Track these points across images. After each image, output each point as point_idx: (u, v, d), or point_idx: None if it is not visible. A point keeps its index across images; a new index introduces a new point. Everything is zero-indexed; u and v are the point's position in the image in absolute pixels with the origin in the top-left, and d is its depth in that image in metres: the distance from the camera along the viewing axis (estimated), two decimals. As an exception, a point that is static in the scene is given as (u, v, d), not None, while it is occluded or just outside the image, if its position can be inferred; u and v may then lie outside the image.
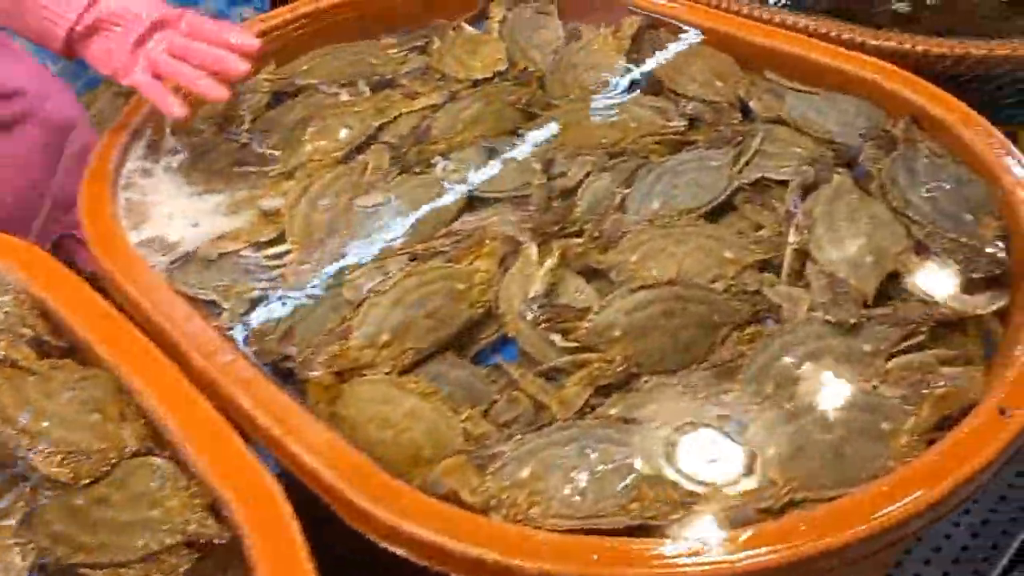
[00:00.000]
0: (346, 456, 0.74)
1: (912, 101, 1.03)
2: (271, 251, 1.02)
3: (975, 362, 0.80)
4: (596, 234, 0.96)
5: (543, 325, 0.86)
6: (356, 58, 1.34)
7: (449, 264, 0.94)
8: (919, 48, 1.10)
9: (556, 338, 0.85)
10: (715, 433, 0.75)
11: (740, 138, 1.06)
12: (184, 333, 0.86)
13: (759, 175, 1.00)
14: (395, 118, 1.20)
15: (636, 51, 1.26)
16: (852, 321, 0.82)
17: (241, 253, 1.02)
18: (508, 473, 0.73)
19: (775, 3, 1.32)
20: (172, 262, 1.00)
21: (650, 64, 1.23)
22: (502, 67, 1.28)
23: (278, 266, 1.00)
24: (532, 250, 0.94)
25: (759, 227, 0.96)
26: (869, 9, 1.33)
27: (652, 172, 1.03)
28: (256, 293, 0.96)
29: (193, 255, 1.01)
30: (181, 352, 0.83)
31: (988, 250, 0.85)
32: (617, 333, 0.84)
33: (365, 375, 0.85)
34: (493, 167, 1.09)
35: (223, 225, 1.06)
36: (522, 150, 1.11)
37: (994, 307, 0.82)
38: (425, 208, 1.04)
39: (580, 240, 0.97)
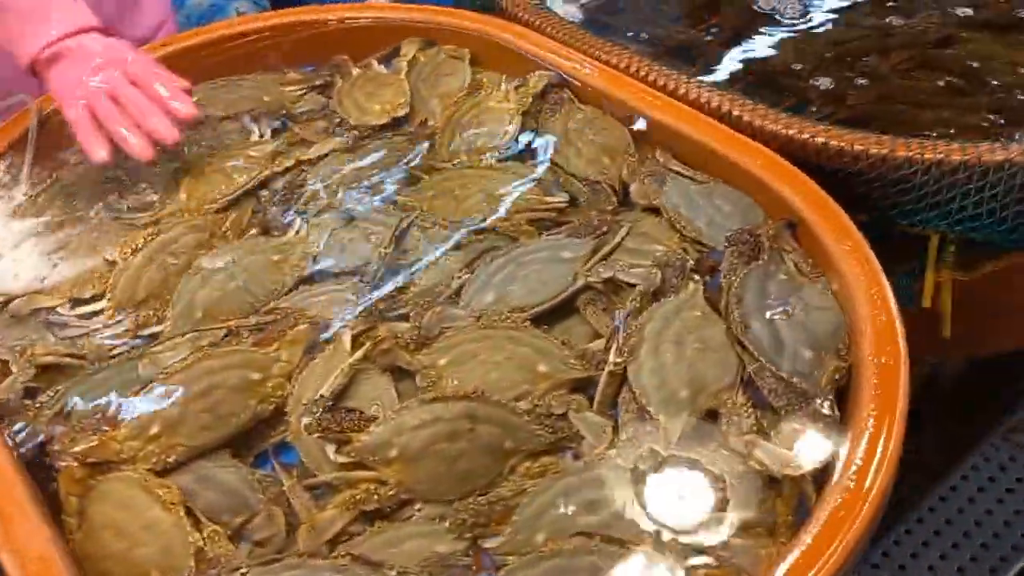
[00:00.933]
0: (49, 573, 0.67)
1: (792, 204, 0.93)
2: (86, 309, 0.96)
3: (776, 531, 0.71)
4: (416, 326, 0.88)
5: (320, 433, 0.78)
6: (251, 93, 1.27)
7: (253, 349, 0.87)
8: (818, 139, 1.00)
9: (330, 449, 0.78)
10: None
11: (605, 228, 0.97)
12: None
13: (610, 274, 0.91)
14: (285, 170, 1.14)
15: (536, 111, 1.17)
16: (643, 470, 0.73)
17: (57, 310, 0.96)
18: (220, 617, 0.66)
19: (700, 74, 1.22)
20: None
21: (545, 129, 1.15)
22: (402, 112, 1.20)
23: (86, 328, 0.94)
24: (346, 339, 0.87)
25: (597, 336, 0.87)
26: (798, 83, 1.22)
27: (497, 259, 0.94)
28: (49, 358, 0.90)
29: (4, 307, 0.96)
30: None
31: (817, 401, 0.76)
32: (393, 453, 0.77)
33: (123, 471, 0.78)
34: (348, 235, 1.02)
35: (57, 275, 1.01)
36: (384, 219, 1.03)
37: (807, 469, 0.73)
38: (262, 276, 0.97)
39: (405, 327, 0.90)
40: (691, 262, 0.92)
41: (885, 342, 0.78)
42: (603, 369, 0.82)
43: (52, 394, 0.86)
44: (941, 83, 1.20)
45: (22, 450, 0.81)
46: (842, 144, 0.98)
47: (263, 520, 0.76)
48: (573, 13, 1.42)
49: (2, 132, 1.17)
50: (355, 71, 1.31)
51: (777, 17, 1.36)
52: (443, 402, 0.79)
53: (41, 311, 0.96)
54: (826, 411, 0.75)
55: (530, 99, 1.16)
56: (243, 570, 0.69)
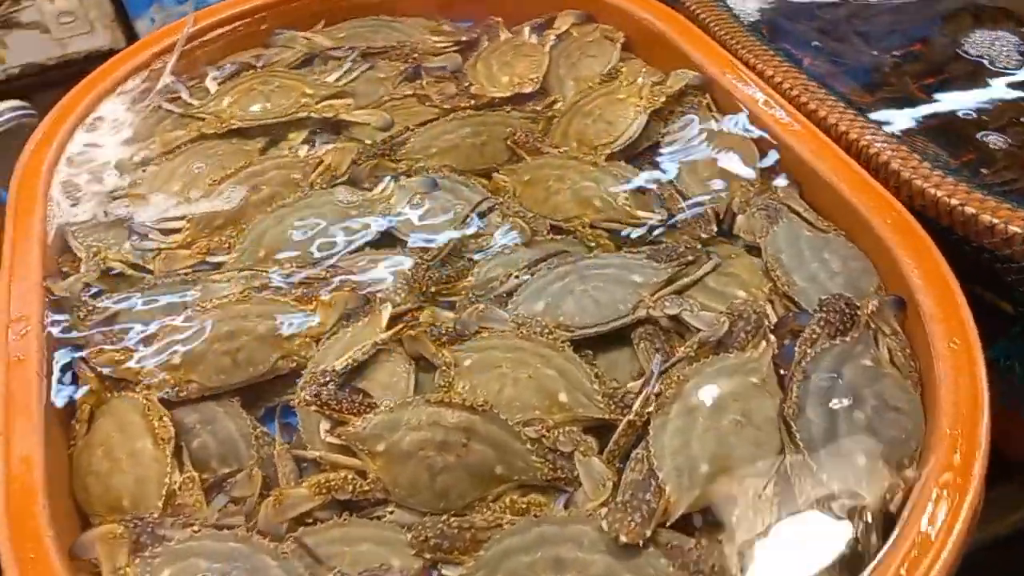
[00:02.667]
0: (25, 481, 0.69)
1: (909, 279, 0.80)
2: (169, 224, 0.98)
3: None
4: (455, 319, 0.83)
5: (317, 407, 0.76)
6: (391, 35, 1.25)
7: (292, 302, 0.86)
8: (967, 209, 0.84)
9: (323, 426, 0.75)
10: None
11: (690, 258, 0.87)
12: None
13: (676, 311, 0.82)
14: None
15: (668, 114, 1.07)
16: (626, 541, 0.65)
17: (144, 220, 0.99)
18: (152, 567, 0.66)
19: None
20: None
21: (669, 134, 1.05)
22: (529, 88, 1.14)
23: (162, 242, 0.96)
24: (384, 314, 0.84)
25: (640, 375, 0.79)
26: (982, 139, 1.05)
27: (561, 266, 0.87)
28: (117, 265, 0.93)
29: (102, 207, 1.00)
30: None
31: (857, 525, 0.64)
32: (380, 447, 0.73)
33: (135, 393, 0.79)
34: (426, 205, 0.98)
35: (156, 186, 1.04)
36: (468, 195, 0.99)
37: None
38: (332, 229, 0.95)
39: (448, 317, 0.85)
40: (772, 319, 0.81)
41: (959, 474, 0.64)
42: (625, 415, 0.74)
43: (106, 300, 0.88)
44: None
45: (60, 350, 0.83)
46: (995, 220, 0.82)
47: (243, 479, 0.75)
48: (751, 11, 1.29)
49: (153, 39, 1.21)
50: (503, 35, 1.26)
51: (986, 63, 1.16)
52: (446, 408, 0.74)
53: (131, 217, 0.98)
54: (860, 542, 0.63)
55: (663, 98, 1.06)
56: (195, 528, 0.68)
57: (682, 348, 0.79)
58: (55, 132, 1.07)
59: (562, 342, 0.81)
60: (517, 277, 0.87)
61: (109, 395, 0.80)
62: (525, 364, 0.78)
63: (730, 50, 1.12)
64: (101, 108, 1.13)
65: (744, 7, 1.28)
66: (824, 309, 0.78)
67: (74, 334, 0.85)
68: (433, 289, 0.88)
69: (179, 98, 1.16)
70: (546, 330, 0.82)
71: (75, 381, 0.81)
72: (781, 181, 0.96)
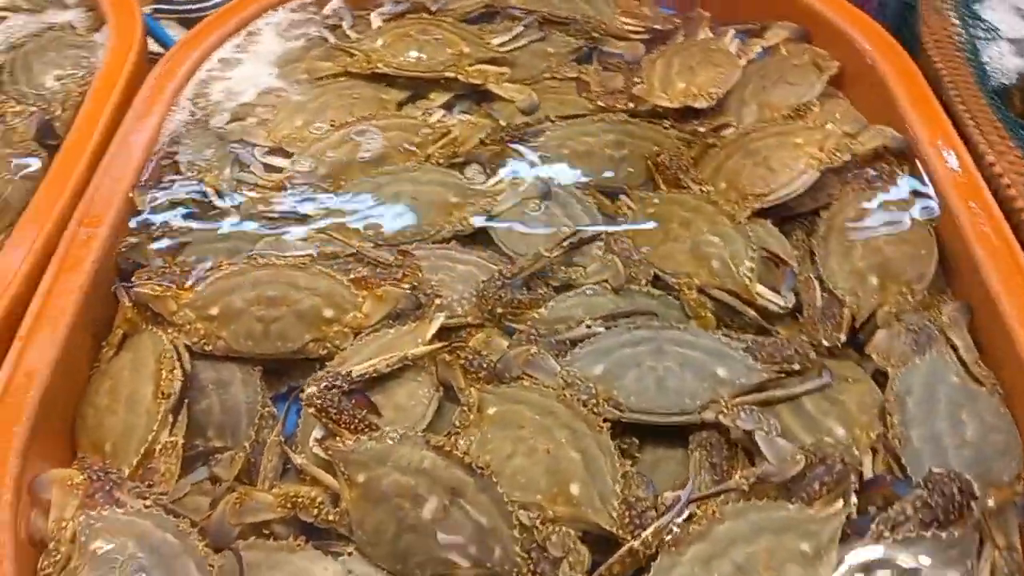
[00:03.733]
0: (19, 398, 0.68)
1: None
2: (276, 160, 0.95)
3: None
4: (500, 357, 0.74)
5: (315, 411, 0.69)
6: (578, 7, 1.13)
7: (347, 284, 0.79)
8: None
9: (315, 433, 0.69)
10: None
11: (796, 367, 0.72)
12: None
13: (750, 427, 0.68)
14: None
15: (851, 175, 0.90)
16: None
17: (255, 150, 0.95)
18: (89, 532, 0.63)
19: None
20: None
21: (842, 202, 0.87)
22: (702, 104, 0.99)
23: (261, 179, 0.92)
24: (432, 326, 0.76)
25: (683, 486, 0.66)
26: None
27: (641, 330, 0.75)
28: (208, 191, 0.90)
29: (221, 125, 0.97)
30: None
31: None
32: (360, 478, 0.65)
33: (165, 332, 0.77)
34: (532, 213, 0.88)
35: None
36: (578, 215, 0.87)
37: None
38: (428, 213, 0.88)
39: (502, 346, 0.76)
40: (859, 476, 0.65)
41: None
42: (634, 537, 0.61)
43: (178, 227, 0.86)
44: None
45: (123, 266, 0.82)
46: None
47: (226, 460, 0.70)
48: (1009, 72, 1.05)
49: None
50: (703, 34, 1.11)
51: None
52: (444, 458, 0.65)
53: (242, 143, 0.95)
54: None
55: (848, 155, 0.89)
56: (147, 503, 0.64)
57: (738, 475, 0.65)
58: (204, 37, 1.05)
59: (604, 420, 0.69)
60: (589, 326, 0.76)
61: (144, 326, 0.78)
62: (549, 434, 0.67)
63: (955, 117, 0.91)
64: (260, 21, 1.10)
65: (1001, 64, 1.05)
66: (929, 486, 0.61)
67: (137, 256, 0.83)
68: (500, 310, 0.78)
69: (339, 27, 1.11)
70: (593, 400, 0.70)
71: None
72: (952, 303, 0.77)
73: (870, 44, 0.99)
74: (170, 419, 0.71)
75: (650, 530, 0.61)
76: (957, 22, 1.03)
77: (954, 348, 0.73)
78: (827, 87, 1.02)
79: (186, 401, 0.73)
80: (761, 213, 0.87)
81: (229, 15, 1.09)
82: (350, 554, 0.64)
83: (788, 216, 0.88)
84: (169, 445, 0.70)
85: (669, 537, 0.61)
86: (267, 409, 0.75)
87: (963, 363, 0.72)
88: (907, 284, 0.78)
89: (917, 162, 0.87)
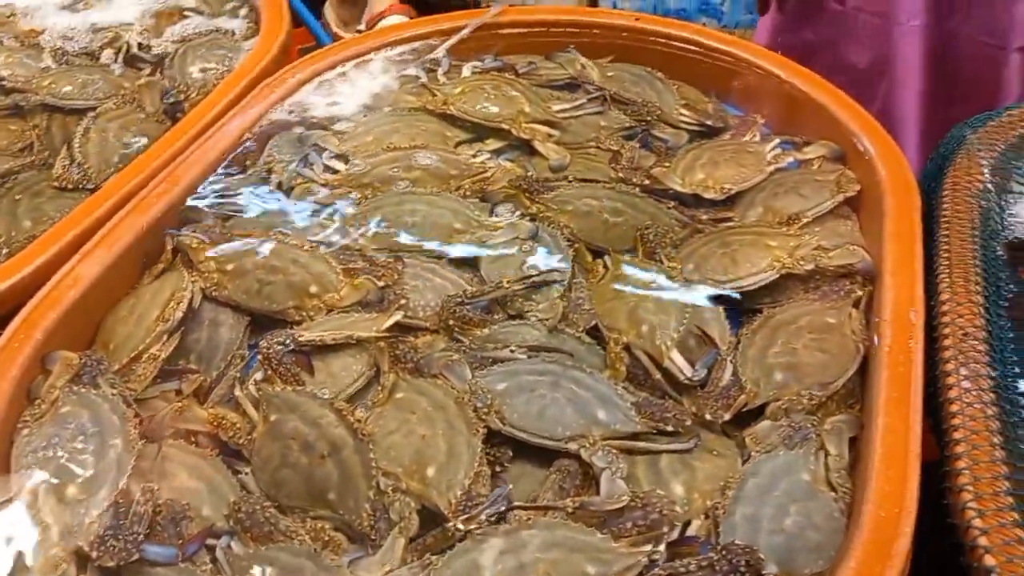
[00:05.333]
0: (60, 295, 0.89)
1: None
2: (335, 163, 1.13)
3: None
4: (424, 355, 0.87)
5: (263, 359, 0.85)
6: (643, 91, 1.25)
7: (336, 271, 0.95)
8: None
9: (257, 375, 0.85)
10: None
11: (669, 428, 0.80)
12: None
13: (602, 465, 0.77)
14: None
15: (815, 286, 0.96)
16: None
17: (323, 152, 1.14)
18: (63, 397, 0.81)
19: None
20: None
21: (787, 308, 0.94)
22: (711, 196, 1.08)
23: (316, 178, 1.10)
24: (391, 319, 0.90)
25: (532, 501, 0.76)
26: None
27: (550, 364, 0.85)
28: (274, 178, 1.09)
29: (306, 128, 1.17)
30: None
31: None
32: (272, 417, 0.80)
33: (188, 272, 0.95)
34: (518, 250, 1.00)
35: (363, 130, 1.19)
36: (550, 255, 0.99)
37: None
38: (432, 230, 1.02)
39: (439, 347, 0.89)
40: (681, 532, 0.72)
41: None
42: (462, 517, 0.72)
43: (236, 199, 1.06)
44: None
45: (183, 218, 1.02)
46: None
47: (189, 381, 0.87)
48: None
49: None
50: (749, 136, 1.19)
51: None
52: (337, 416, 0.79)
53: (317, 146, 1.14)
54: None
55: (811, 266, 0.95)
56: (115, 391, 0.82)
57: (568, 500, 0.74)
58: (323, 57, 1.26)
59: (485, 427, 0.80)
60: (512, 351, 0.87)
61: (177, 266, 0.97)
62: (431, 424, 0.79)
63: (935, 258, 0.95)
64: (374, 53, 1.30)
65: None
66: (722, 552, 0.68)
67: (198, 211, 1.03)
68: (451, 322, 0.91)
69: (434, 71, 1.29)
70: (485, 409, 0.81)
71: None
72: (846, 415, 0.81)
73: (887, 174, 1.04)
74: (164, 339, 0.89)
75: (463, 517, 0.71)
76: (986, 169, 1.06)
77: (825, 453, 0.78)
78: (843, 207, 1.07)
79: (182, 329, 0.91)
80: (722, 299, 0.94)
81: (351, 44, 1.30)
82: (245, 474, 0.79)
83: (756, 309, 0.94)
84: (151, 356, 0.87)
85: (479, 527, 0.71)
86: (240, 351, 0.91)
87: (826, 468, 0.77)
88: (808, 388, 0.83)
89: (876, 290, 0.92)
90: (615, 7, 2.91)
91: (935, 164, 1.12)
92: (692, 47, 1.30)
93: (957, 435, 0.75)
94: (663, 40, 1.32)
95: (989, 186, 1.05)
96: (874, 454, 0.73)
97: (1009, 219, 1.05)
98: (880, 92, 1.51)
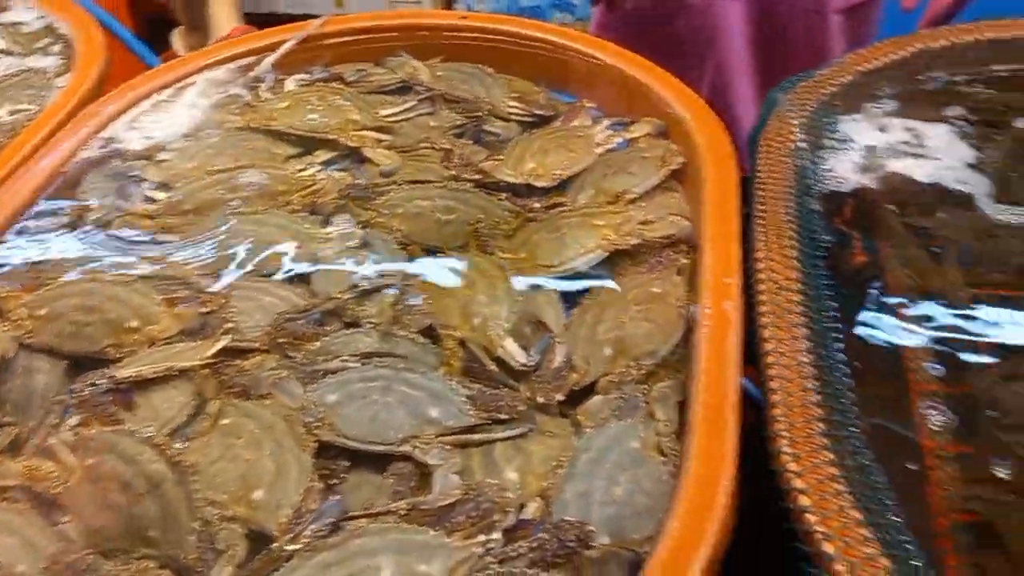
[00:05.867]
0: None
1: None
2: (156, 193, 1.09)
3: None
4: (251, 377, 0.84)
5: (79, 400, 0.81)
6: (469, 87, 1.25)
7: (159, 301, 0.92)
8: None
9: (71, 420, 0.81)
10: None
11: (504, 417, 0.80)
12: None
13: (435, 462, 0.76)
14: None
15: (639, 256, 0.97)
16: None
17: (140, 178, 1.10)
18: None
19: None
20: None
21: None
22: (542, 184, 1.08)
23: (130, 209, 1.07)
24: (217, 344, 0.87)
25: (366, 509, 0.75)
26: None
27: (381, 369, 0.84)
28: (87, 214, 1.05)
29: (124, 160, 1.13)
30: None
31: None
32: (89, 461, 0.77)
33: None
34: (351, 260, 0.98)
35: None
36: (385, 262, 0.98)
37: None
38: (262, 250, 1.00)
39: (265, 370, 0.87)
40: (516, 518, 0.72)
41: None
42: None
43: (50, 241, 1.01)
44: None
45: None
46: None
47: (4, 433, 0.82)
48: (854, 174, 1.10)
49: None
50: (578, 121, 1.21)
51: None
52: (155, 452, 0.76)
53: (134, 176, 1.10)
54: None
55: (636, 241, 0.96)
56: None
57: (400, 502, 0.72)
58: (139, 85, 1.22)
59: (316, 441, 0.78)
60: (345, 361, 0.85)
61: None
62: (258, 446, 0.77)
63: (753, 219, 0.97)
64: (194, 76, 1.26)
65: (845, 173, 1.11)
66: (551, 532, 0.68)
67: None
68: (281, 340, 0.89)
69: (257, 88, 1.26)
70: (317, 424, 0.79)
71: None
72: (673, 380, 0.83)
73: (705, 143, 1.07)
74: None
75: (289, 536, 0.69)
76: (798, 129, 1.10)
77: (654, 419, 0.79)
78: (671, 180, 1.09)
79: (-6, 380, 0.86)
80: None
81: (167, 70, 1.26)
82: (66, 523, 0.75)
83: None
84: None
85: (308, 544, 0.69)
86: (60, 397, 0.87)
87: (657, 434, 0.78)
88: (636, 359, 0.84)
89: (697, 255, 0.94)
90: (470, 8, 2.95)
91: (755, 130, 1.15)
92: (517, 40, 1.31)
93: (773, 384, 0.77)
94: (490, 36, 1.33)
95: (802, 144, 1.09)
96: (695, 415, 0.74)
97: (824, 174, 1.09)
98: (710, 64, 1.56)
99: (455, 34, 1.35)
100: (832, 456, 0.71)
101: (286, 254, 0.99)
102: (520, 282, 0.94)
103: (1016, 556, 0.70)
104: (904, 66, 1.23)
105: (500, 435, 0.78)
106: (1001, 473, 0.75)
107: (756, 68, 1.57)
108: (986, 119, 1.19)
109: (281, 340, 0.89)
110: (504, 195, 1.07)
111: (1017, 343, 0.90)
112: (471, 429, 0.79)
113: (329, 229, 1.03)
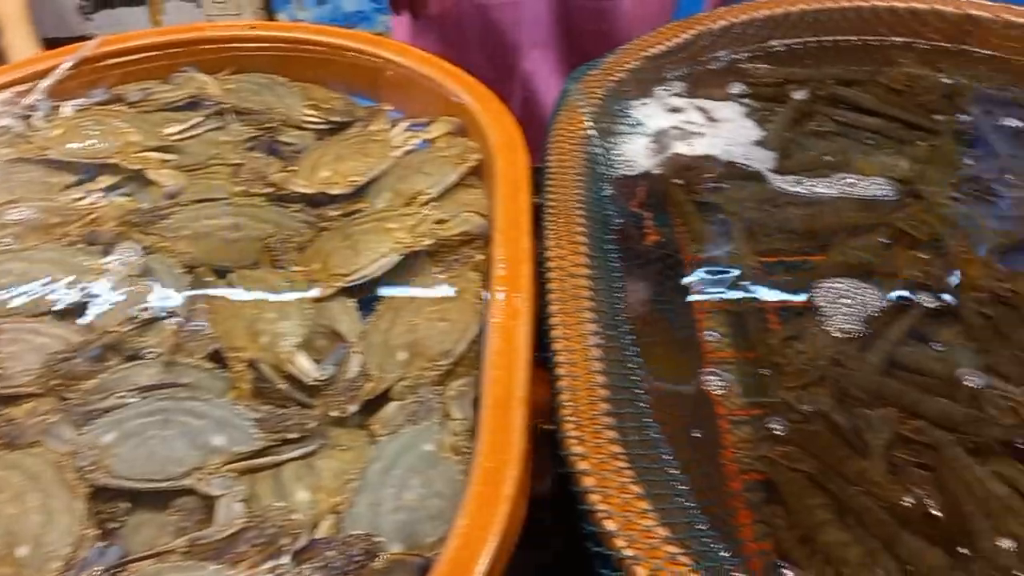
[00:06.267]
0: None
1: None
2: None
3: None
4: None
5: None
6: (269, 99, 1.21)
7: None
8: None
9: None
10: None
11: (293, 436, 0.77)
12: None
13: (219, 492, 0.72)
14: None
15: (437, 248, 0.96)
16: None
17: None
18: None
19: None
20: None
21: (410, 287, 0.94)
22: (337, 191, 1.06)
23: None
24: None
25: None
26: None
27: (162, 401, 0.79)
28: None
29: None
30: None
31: None
32: None
33: None
34: (131, 289, 0.93)
35: None
36: (170, 288, 0.93)
37: None
38: (33, 286, 0.93)
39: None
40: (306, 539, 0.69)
41: None
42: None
43: None
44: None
45: None
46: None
47: None
48: (645, 157, 1.13)
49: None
50: (376, 126, 1.19)
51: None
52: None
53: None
54: None
55: (431, 240, 0.95)
56: None
57: (180, 539, 0.68)
58: None
59: (91, 486, 0.73)
60: (122, 397, 0.80)
61: None
62: (21, 500, 0.71)
63: (544, 210, 0.98)
64: (-30, 106, 1.17)
65: (637, 156, 1.13)
66: (338, 548, 0.66)
67: None
68: (54, 382, 0.83)
69: (30, 117, 1.18)
70: (91, 467, 0.74)
71: None
72: (468, 378, 0.82)
73: (496, 137, 1.07)
74: None
75: (56, 589, 0.64)
76: (587, 118, 1.12)
77: (449, 418, 0.78)
78: (471, 178, 1.09)
79: None
80: (349, 292, 0.92)
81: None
82: None
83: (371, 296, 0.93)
84: None
85: (79, 595, 0.64)
86: None
87: (451, 434, 0.77)
88: (432, 360, 0.83)
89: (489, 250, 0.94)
90: (293, 18, 2.88)
91: (549, 122, 1.17)
92: (310, 47, 1.28)
93: (561, 371, 0.77)
94: (281, 44, 1.29)
95: (592, 132, 1.11)
96: (484, 408, 0.74)
97: (615, 159, 1.12)
98: (520, 60, 1.57)
99: (245, 45, 1.30)
100: (615, 434, 0.72)
101: (59, 290, 0.93)
102: (314, 293, 0.91)
103: (792, 508, 0.72)
104: (688, 48, 1.28)
105: (287, 456, 0.75)
106: (778, 430, 0.79)
107: (564, 60, 1.59)
108: (767, 94, 1.25)
109: (55, 382, 0.83)
110: (299, 206, 1.04)
111: (799, 304, 0.94)
112: (259, 453, 0.76)
113: (108, 259, 0.97)
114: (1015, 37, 1.24)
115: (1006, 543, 0.66)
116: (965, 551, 0.66)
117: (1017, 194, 1.04)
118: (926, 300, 0.90)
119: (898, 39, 1.32)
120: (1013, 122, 1.15)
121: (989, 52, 1.28)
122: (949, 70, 1.25)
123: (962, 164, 1.09)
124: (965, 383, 0.80)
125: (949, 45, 1.31)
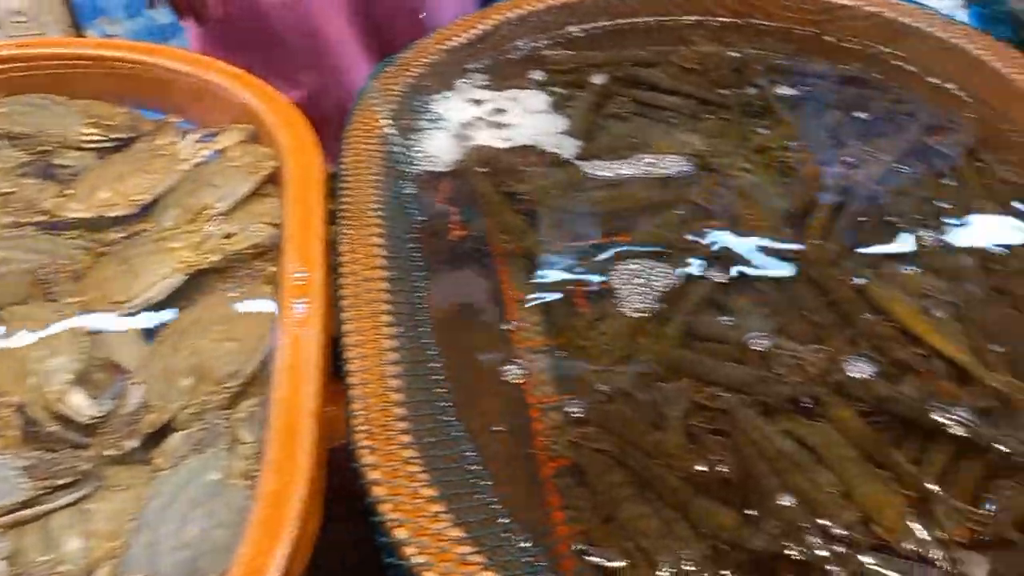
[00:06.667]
0: None
1: None
2: None
3: None
4: None
5: None
6: (44, 120, 1.12)
7: None
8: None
9: None
10: None
11: (61, 482, 0.70)
12: None
13: (-19, 554, 0.65)
14: None
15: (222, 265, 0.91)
16: None
17: None
18: None
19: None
20: None
21: (196, 309, 0.88)
22: (118, 212, 0.98)
23: None
24: None
25: None
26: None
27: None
28: None
29: None
30: None
31: None
32: None
33: None
34: None
35: None
36: None
37: None
38: None
39: None
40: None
41: None
42: None
43: None
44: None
45: None
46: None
47: None
48: (448, 152, 1.11)
49: None
50: (163, 140, 1.11)
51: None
52: None
53: None
54: None
55: (218, 257, 0.90)
56: None
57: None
58: None
59: None
60: None
61: None
62: None
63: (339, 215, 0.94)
64: None
65: (440, 151, 1.11)
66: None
67: None
68: None
69: None
70: None
71: None
72: (259, 399, 0.78)
73: (287, 141, 1.02)
74: None
75: None
76: (384, 116, 1.09)
77: (242, 444, 0.73)
78: (267, 187, 1.04)
79: None
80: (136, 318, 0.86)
81: None
82: None
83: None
84: None
85: None
86: None
87: (244, 458, 0.72)
88: (219, 383, 0.78)
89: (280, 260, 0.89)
90: (103, 34, 2.72)
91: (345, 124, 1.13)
92: (87, 61, 1.20)
93: (354, 379, 0.74)
94: (56, 61, 1.20)
95: (390, 131, 1.08)
96: (270, 427, 0.70)
97: (417, 156, 1.10)
98: (320, 60, 1.52)
99: (15, 65, 1.20)
100: (410, 439, 0.69)
101: None
102: (90, 324, 0.84)
103: (595, 488, 0.72)
104: (487, 39, 1.27)
105: (55, 504, 0.69)
106: (578, 413, 0.78)
107: (368, 57, 1.56)
108: (568, 80, 1.26)
109: None
110: (76, 232, 0.97)
111: (603, 286, 0.94)
112: (26, 504, 0.69)
113: None
114: (793, 7, 1.29)
115: (792, 499, 0.68)
116: (754, 512, 0.68)
117: (801, 157, 1.08)
118: (718, 272, 0.92)
119: (690, 18, 1.35)
120: (796, 90, 1.20)
121: (774, 24, 1.33)
122: (739, 44, 1.29)
123: (751, 135, 1.12)
124: (753, 347, 0.82)
125: (739, 21, 1.35)
